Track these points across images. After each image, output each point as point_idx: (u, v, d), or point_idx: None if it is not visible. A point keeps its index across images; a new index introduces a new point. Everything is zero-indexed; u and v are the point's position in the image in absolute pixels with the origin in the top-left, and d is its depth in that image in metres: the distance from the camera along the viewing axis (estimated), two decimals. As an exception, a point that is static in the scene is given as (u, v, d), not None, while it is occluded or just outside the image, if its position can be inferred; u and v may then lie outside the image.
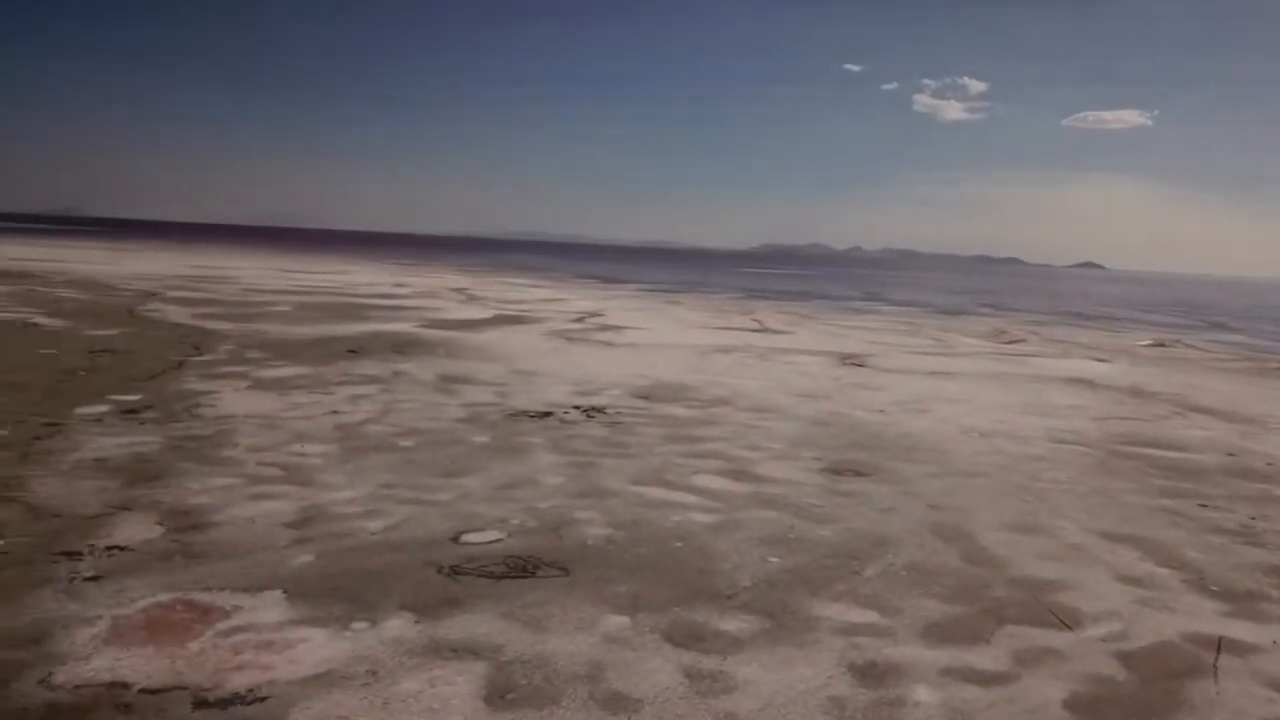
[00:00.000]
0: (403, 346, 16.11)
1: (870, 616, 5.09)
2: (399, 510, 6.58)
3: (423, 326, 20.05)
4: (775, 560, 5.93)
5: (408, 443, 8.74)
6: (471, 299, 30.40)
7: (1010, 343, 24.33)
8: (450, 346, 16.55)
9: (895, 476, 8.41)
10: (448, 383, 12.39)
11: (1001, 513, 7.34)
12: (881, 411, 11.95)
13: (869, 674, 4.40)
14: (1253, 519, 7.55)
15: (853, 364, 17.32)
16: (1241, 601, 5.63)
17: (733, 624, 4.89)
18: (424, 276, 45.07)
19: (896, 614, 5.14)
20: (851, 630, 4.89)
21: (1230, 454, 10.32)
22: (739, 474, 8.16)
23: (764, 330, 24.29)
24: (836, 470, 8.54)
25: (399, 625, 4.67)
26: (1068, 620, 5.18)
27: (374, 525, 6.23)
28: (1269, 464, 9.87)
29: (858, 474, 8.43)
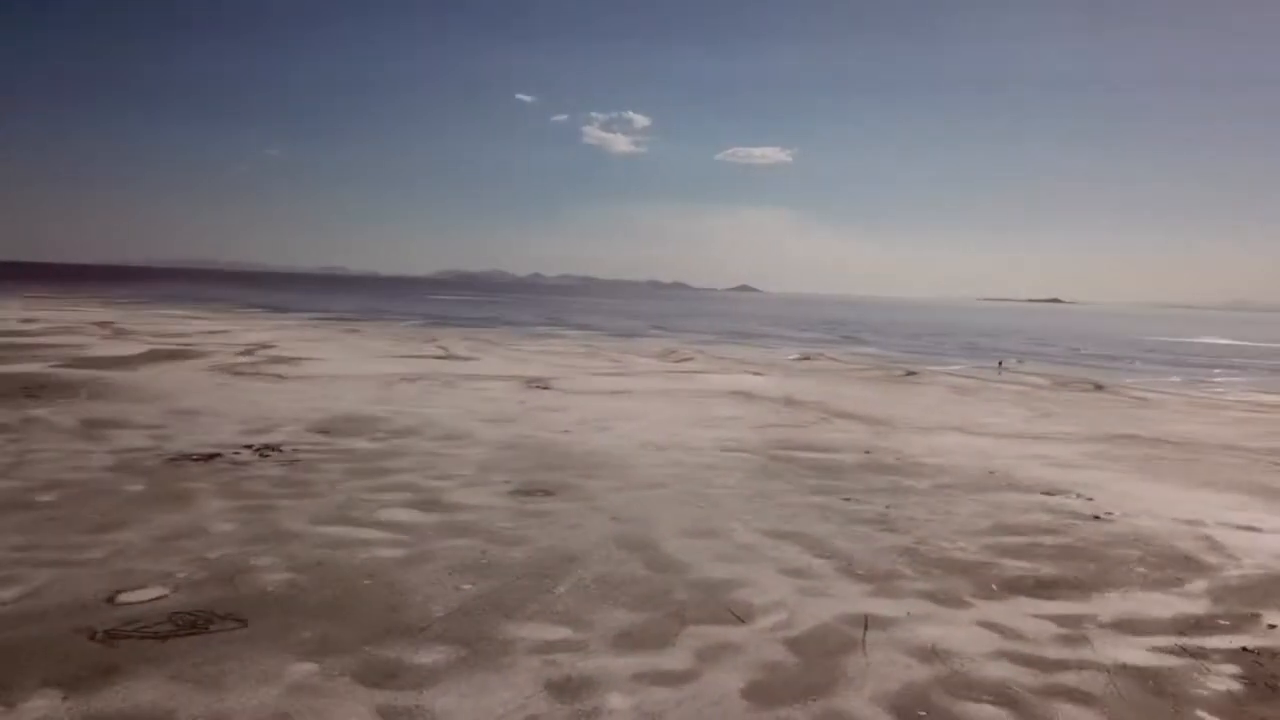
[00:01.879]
0: (35, 389, 14.19)
1: (564, 633, 5.20)
2: (38, 574, 5.78)
3: (61, 366, 17.77)
4: (469, 587, 5.89)
5: (46, 498, 7.71)
6: (120, 334, 27.41)
7: (680, 361, 25.97)
8: (95, 387, 14.81)
9: (582, 493, 8.67)
10: (93, 428, 11.09)
11: (680, 520, 7.80)
12: (567, 432, 12.27)
13: (565, 689, 4.49)
14: (887, 508, 8.61)
15: (538, 387, 17.64)
16: (882, 581, 6.39)
17: (428, 656, 4.79)
18: (61, 310, 39.96)
19: (588, 627, 5.29)
20: (546, 648, 4.97)
21: (867, 451, 11.70)
22: (429, 504, 8.03)
23: (449, 357, 24.09)
24: (526, 491, 8.65)
25: (44, 705, 4.10)
26: (742, 615, 5.61)
27: (6, 595, 5.43)
28: (897, 458, 11.29)
29: (546, 493, 8.60)
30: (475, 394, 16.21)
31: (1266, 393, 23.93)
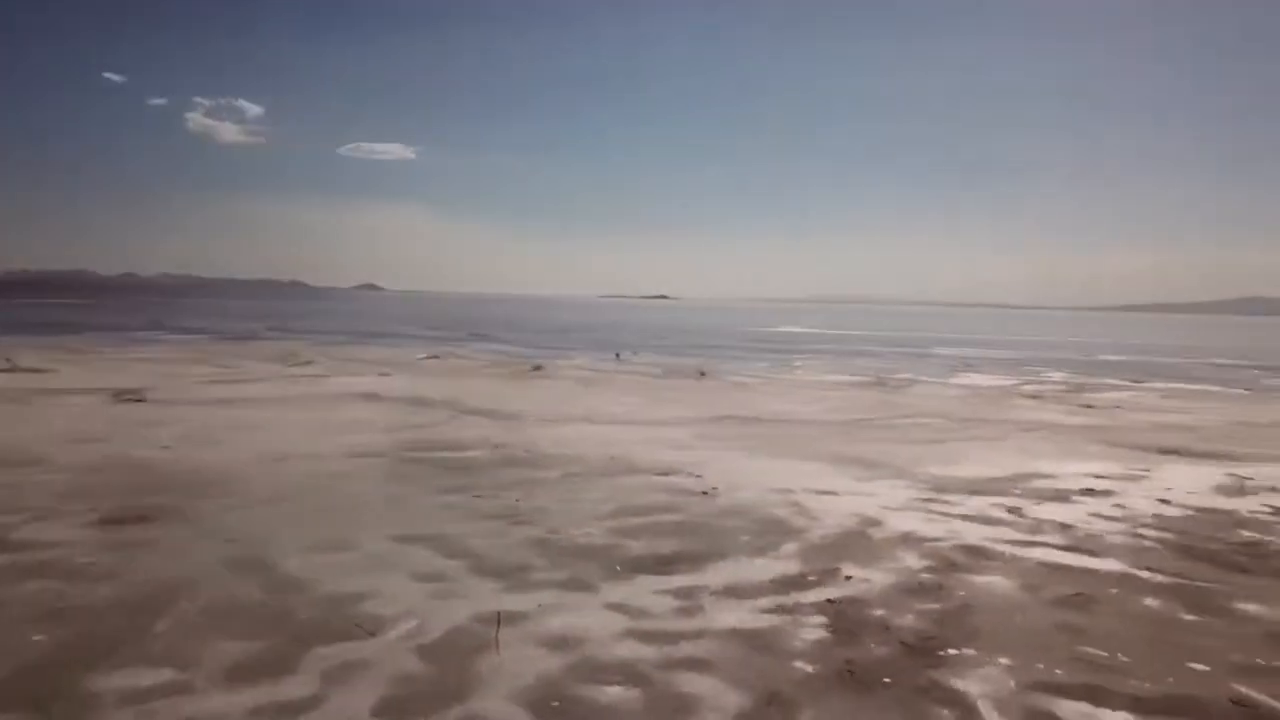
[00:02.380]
0: None
1: (164, 675, 4.62)
2: None
3: None
4: (41, 638, 5.05)
5: None
6: None
7: (301, 365, 24.53)
8: None
9: (187, 516, 7.83)
10: None
11: (304, 535, 7.31)
12: (167, 448, 11.06)
13: (167, 739, 3.99)
14: (518, 501, 8.71)
15: (131, 399, 15.73)
16: (514, 575, 6.43)
17: (-13, 729, 4.03)
18: None
19: (194, 665, 4.76)
20: (141, 697, 4.39)
21: (496, 446, 11.79)
22: (-12, 545, 6.80)
23: (16, 370, 20.75)
24: (117, 520, 7.63)
25: None
26: (371, 628, 5.35)
27: None
28: (527, 451, 11.50)
29: (143, 520, 7.65)
30: (53, 410, 14.10)
31: (836, 373, 27.56)
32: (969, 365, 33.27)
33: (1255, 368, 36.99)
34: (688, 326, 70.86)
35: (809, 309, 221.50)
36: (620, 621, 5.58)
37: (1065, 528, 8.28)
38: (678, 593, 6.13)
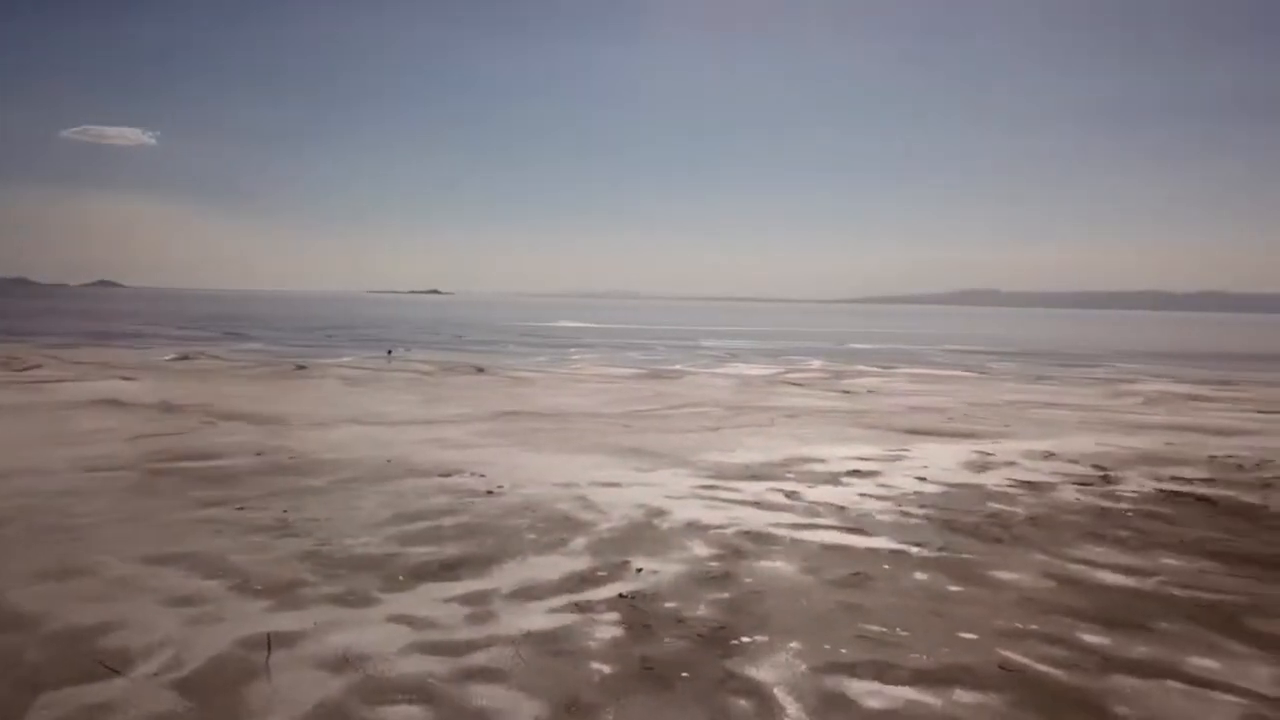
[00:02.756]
0: None
1: None
2: None
3: None
4: None
5: None
6: None
7: (25, 369, 21.88)
8: None
9: (-122, 550, 6.67)
10: None
11: (31, 562, 6.41)
12: None
13: None
14: (285, 512, 8.07)
15: None
16: (284, 593, 5.91)
17: None
18: None
19: (-110, 729, 4.00)
20: None
21: (259, 453, 10.94)
22: None
23: None
24: None
25: None
26: (117, 665, 4.73)
27: None
28: (293, 457, 10.74)
29: None
30: None
31: (611, 366, 27.90)
32: (735, 356, 34.71)
33: (982, 353, 40.98)
34: (462, 321, 69.62)
35: (579, 304, 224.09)
36: (405, 635, 5.24)
37: (839, 509, 8.68)
38: (465, 599, 5.86)
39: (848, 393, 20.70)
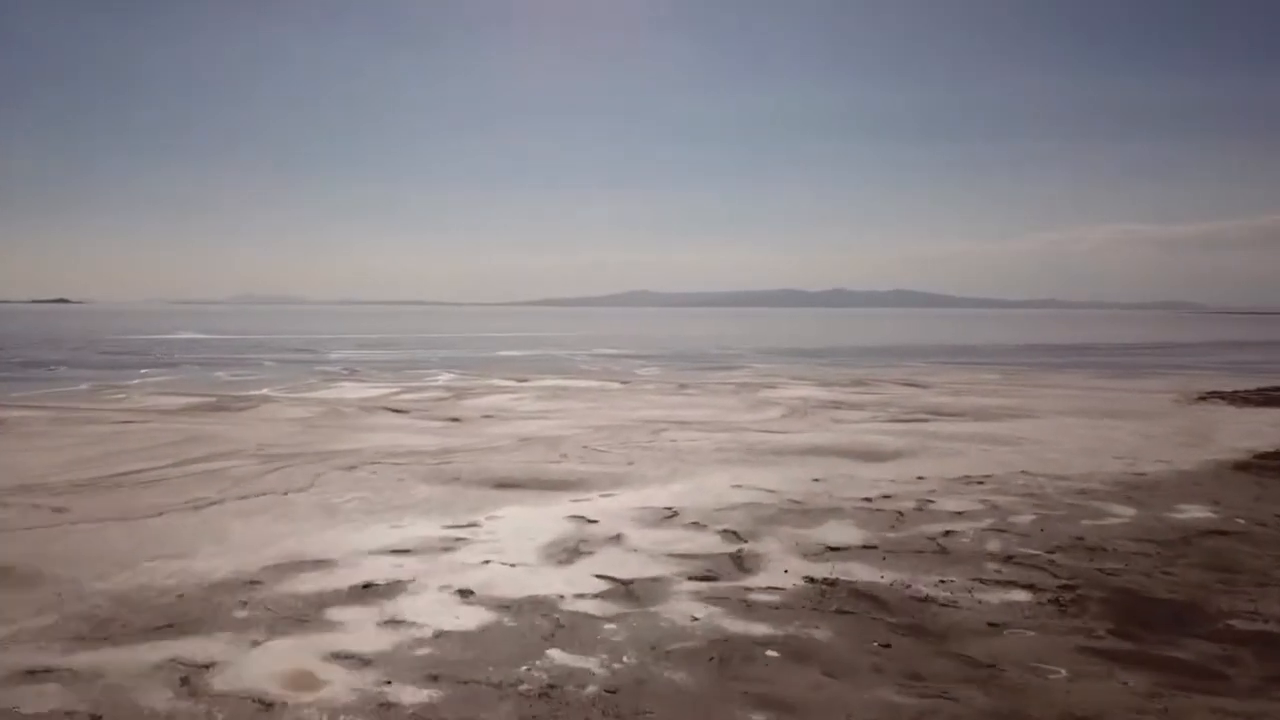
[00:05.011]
0: None
1: None
2: None
3: None
4: None
5: None
6: None
7: None
8: None
9: None
10: None
11: None
12: None
13: None
14: None
15: None
16: None
17: None
18: None
19: None
20: None
21: None
22: None
23: None
24: None
25: None
26: None
27: None
28: None
29: None
30: None
31: (171, 394, 21.85)
32: (354, 371, 29.63)
33: (630, 356, 38.97)
34: (34, 336, 57.60)
35: (227, 310, 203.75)
36: None
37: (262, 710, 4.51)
38: None
39: (455, 420, 16.70)
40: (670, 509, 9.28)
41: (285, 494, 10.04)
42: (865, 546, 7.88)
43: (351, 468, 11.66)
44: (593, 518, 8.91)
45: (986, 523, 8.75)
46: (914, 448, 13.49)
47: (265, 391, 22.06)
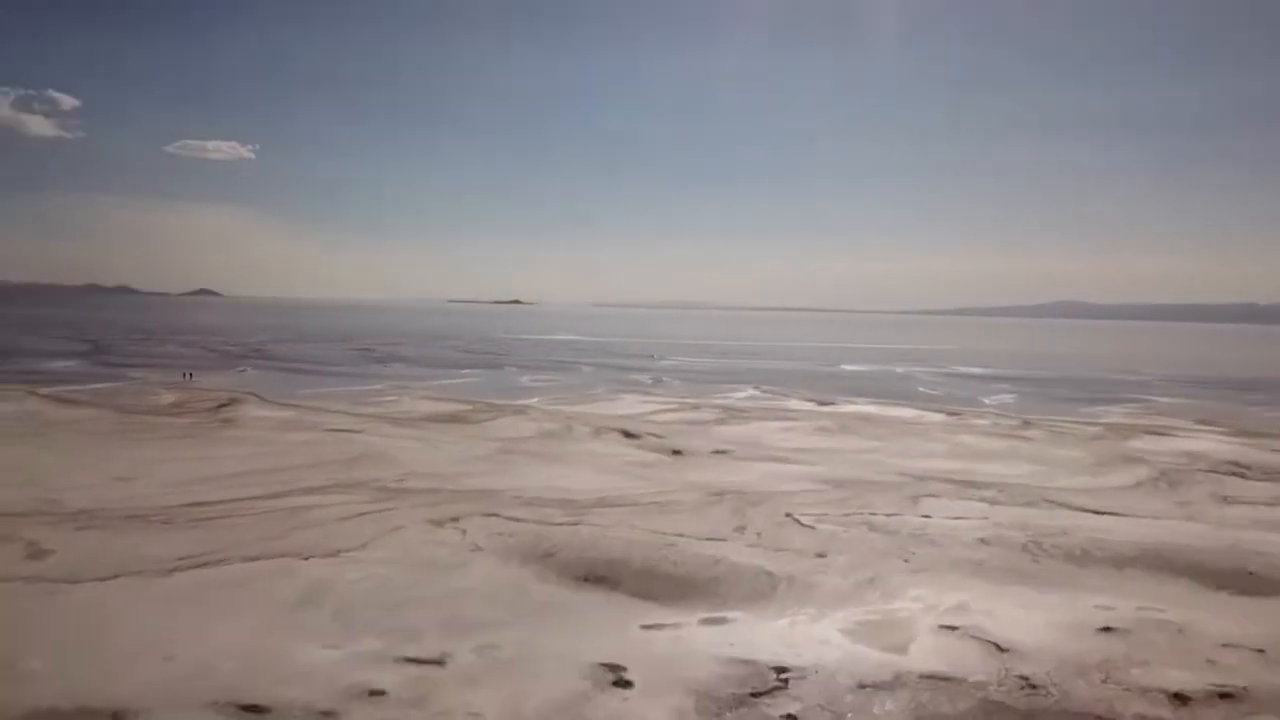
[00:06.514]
0: None
1: None
2: None
3: None
4: None
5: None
6: None
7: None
8: None
9: None
10: None
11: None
12: None
13: None
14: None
15: None
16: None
17: None
18: None
19: None
20: None
21: None
22: None
23: None
24: None
25: None
26: None
27: None
28: None
29: None
30: None
31: (437, 398, 20.99)
32: (657, 381, 27.49)
33: (986, 377, 32.84)
34: (488, 335, 63.33)
35: (638, 314, 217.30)
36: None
37: None
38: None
39: (677, 453, 13.55)
40: (783, 673, 5.40)
41: (306, 559, 7.60)
42: None
43: (453, 520, 9.20)
44: (632, 679, 5.32)
45: None
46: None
47: (531, 401, 20.42)
